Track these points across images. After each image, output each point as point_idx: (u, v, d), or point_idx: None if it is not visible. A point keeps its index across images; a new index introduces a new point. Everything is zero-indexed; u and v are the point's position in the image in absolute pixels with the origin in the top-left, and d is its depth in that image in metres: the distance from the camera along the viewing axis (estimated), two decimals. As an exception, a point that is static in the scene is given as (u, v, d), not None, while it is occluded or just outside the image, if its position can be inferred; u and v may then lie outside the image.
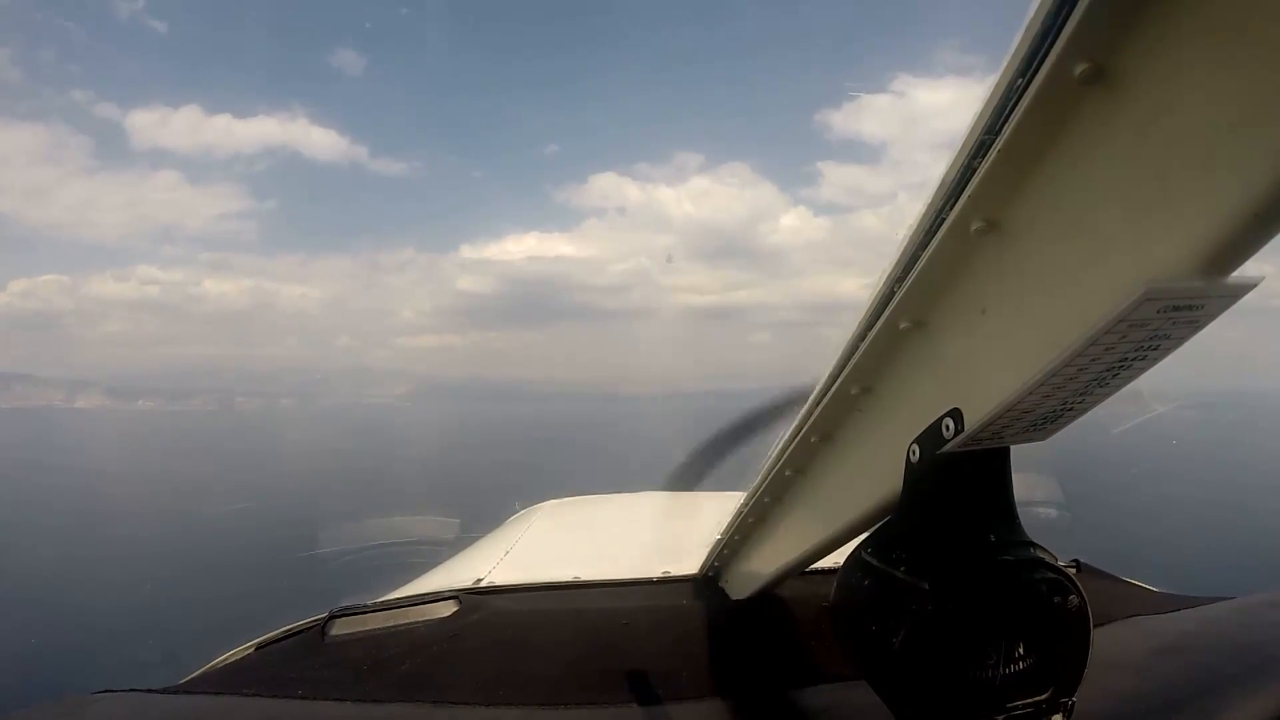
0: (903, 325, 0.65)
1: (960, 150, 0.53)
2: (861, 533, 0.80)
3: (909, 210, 0.60)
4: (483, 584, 1.49)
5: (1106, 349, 0.48)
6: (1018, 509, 0.69)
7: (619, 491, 2.69)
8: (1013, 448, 0.66)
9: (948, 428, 0.61)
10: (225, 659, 1.23)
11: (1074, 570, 0.97)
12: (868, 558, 0.75)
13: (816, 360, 0.82)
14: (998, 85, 0.49)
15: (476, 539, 2.25)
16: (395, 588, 1.58)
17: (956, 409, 0.60)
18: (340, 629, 1.16)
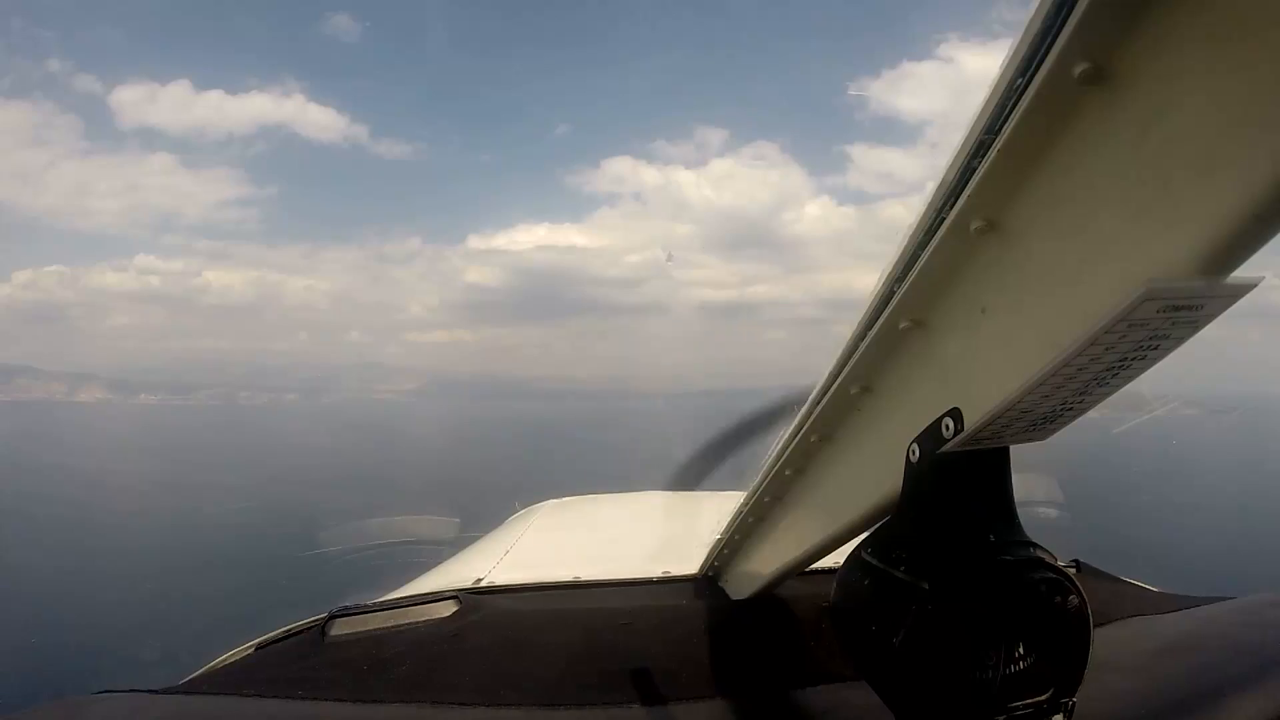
0: (903, 325, 0.65)
1: (960, 150, 0.53)
2: (861, 533, 0.80)
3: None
4: (483, 584, 1.49)
5: (1106, 349, 0.48)
6: (1018, 509, 0.69)
7: (626, 492, 2.69)
8: (1013, 448, 0.66)
9: (947, 427, 0.61)
10: (225, 659, 1.23)
11: (1074, 570, 0.97)
12: (868, 558, 0.75)
13: (828, 359, 0.82)
14: (997, 85, 0.49)
15: (476, 539, 2.25)
16: (395, 588, 1.58)
17: (956, 409, 0.60)
18: (340, 629, 1.16)
